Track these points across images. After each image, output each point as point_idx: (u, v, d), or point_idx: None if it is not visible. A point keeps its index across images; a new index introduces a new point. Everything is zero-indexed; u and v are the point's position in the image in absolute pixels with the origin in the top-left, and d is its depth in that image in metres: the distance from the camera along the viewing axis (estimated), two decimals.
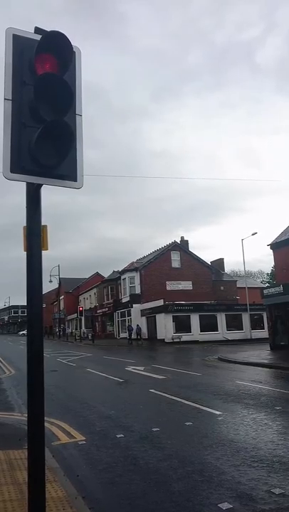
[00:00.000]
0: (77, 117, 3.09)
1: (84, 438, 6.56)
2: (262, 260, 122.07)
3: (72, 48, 2.91)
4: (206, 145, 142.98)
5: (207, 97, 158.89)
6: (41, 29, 3.00)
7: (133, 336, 37.43)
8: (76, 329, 58.01)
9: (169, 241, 48.97)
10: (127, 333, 38.39)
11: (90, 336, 45.67)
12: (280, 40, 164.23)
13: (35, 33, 2.99)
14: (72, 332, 60.46)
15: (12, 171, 2.78)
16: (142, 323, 40.07)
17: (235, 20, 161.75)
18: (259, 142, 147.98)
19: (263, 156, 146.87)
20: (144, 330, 39.54)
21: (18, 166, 2.78)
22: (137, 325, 38.78)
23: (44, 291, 3.58)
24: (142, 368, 16.25)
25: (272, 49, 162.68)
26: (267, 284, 50.76)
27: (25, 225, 3.14)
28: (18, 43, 2.93)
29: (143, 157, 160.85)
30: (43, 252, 3.18)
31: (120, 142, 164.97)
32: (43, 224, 3.20)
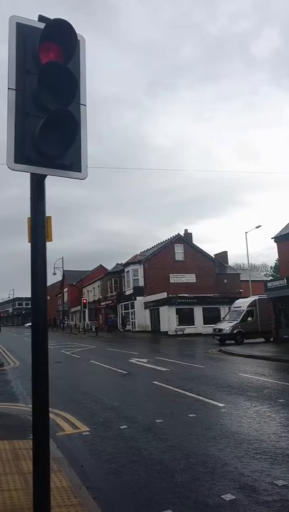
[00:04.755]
0: (82, 107, 3.05)
1: (88, 429, 6.61)
2: (262, 254, 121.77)
3: (76, 36, 2.86)
4: (202, 139, 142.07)
5: (202, 90, 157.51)
6: (45, 17, 2.94)
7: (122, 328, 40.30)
8: (80, 321, 58.30)
9: (170, 234, 49.04)
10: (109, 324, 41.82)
11: (93, 328, 45.92)
12: (274, 31, 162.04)
13: (39, 21, 2.94)
14: (75, 324, 60.75)
15: (16, 161, 2.75)
16: (146, 315, 40.31)
17: (228, 11, 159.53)
18: (256, 135, 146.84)
19: (260, 149, 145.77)
20: (148, 322, 39.90)
21: (21, 156, 2.75)
22: (112, 317, 39.93)
23: (48, 284, 3.57)
24: (145, 360, 16.33)
25: (266, 40, 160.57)
26: (270, 277, 50.57)
27: (29, 216, 3.12)
28: (22, 31, 2.88)
29: (140, 151, 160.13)
30: (47, 244, 3.17)
31: (118, 135, 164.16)
32: (47, 215, 3.19)
